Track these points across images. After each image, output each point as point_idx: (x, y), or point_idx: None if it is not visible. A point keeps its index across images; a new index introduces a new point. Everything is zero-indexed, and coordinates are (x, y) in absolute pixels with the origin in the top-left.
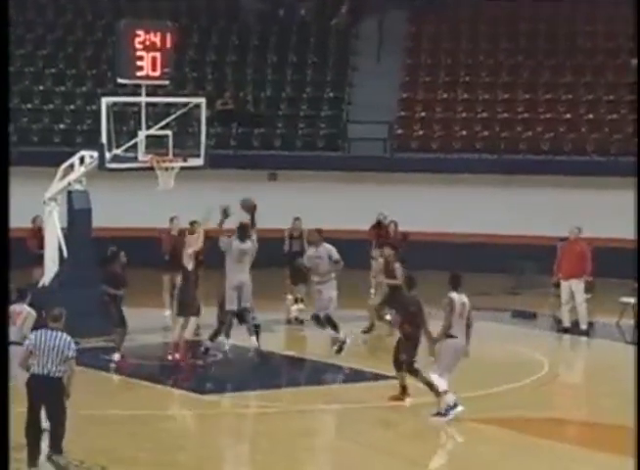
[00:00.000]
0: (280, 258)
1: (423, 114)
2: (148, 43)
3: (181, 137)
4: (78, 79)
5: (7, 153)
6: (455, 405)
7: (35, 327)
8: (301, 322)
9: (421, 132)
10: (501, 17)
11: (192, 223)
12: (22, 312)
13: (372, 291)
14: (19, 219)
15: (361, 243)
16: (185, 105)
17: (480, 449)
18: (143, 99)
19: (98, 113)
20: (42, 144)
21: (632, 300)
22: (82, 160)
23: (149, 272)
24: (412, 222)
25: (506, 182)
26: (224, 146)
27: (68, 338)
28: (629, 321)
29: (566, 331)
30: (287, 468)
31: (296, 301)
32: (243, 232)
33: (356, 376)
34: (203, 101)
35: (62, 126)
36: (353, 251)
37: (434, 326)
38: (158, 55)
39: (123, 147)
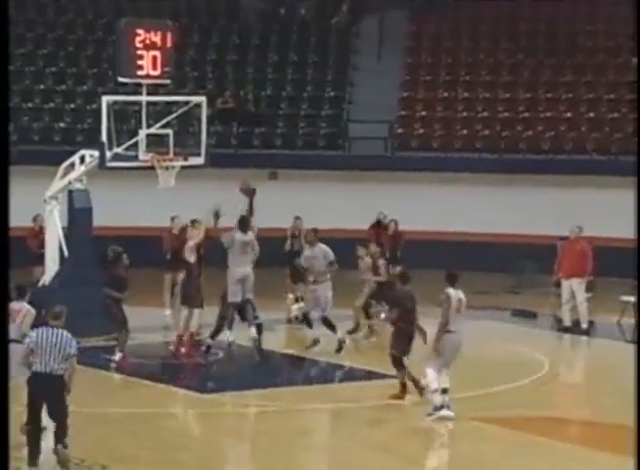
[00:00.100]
0: (280, 258)
1: (423, 113)
2: (148, 42)
3: (182, 136)
4: (79, 78)
5: (7, 152)
6: (441, 407)
7: (35, 325)
8: (302, 321)
9: (421, 131)
10: (501, 16)
11: (192, 222)
12: (21, 310)
13: (366, 290)
14: (19, 218)
15: (361, 242)
16: (186, 104)
17: (481, 449)
18: (143, 98)
19: (98, 111)
20: (43, 143)
21: (633, 299)
22: (83, 158)
23: (149, 271)
24: (412, 221)
25: (506, 181)
26: (225, 145)
27: (70, 335)
28: (630, 320)
29: (566, 330)
30: (286, 467)
31: (296, 300)
32: (244, 224)
33: (356, 375)
34: (203, 100)
35: (62, 125)
36: (354, 250)
37: (430, 324)
38: (158, 54)
39: (124, 146)
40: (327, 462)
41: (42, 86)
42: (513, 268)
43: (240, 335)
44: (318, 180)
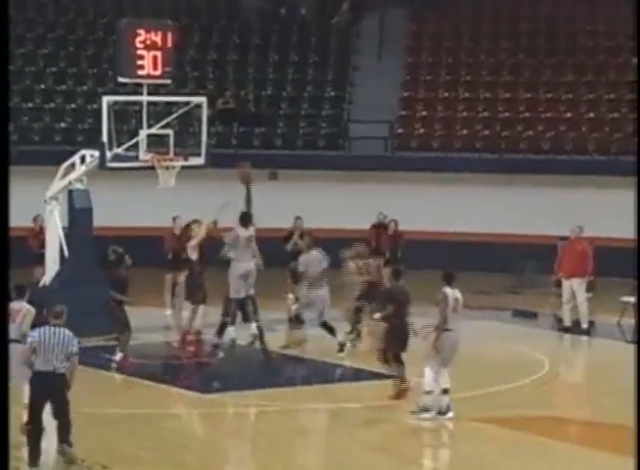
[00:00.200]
0: (282, 258)
1: (424, 113)
2: (149, 42)
3: (182, 136)
4: (79, 78)
5: (7, 152)
6: (428, 410)
7: (35, 325)
8: (302, 321)
9: (422, 131)
10: (502, 15)
11: (189, 224)
12: (21, 310)
13: (355, 293)
14: (19, 218)
15: (362, 242)
16: (186, 104)
17: (480, 449)
18: (144, 98)
19: (99, 112)
20: (43, 143)
21: (633, 299)
22: (83, 159)
23: (149, 271)
24: (413, 221)
25: (507, 181)
26: (225, 145)
27: (71, 334)
28: (630, 321)
29: (566, 330)
30: (286, 467)
31: (296, 300)
32: (245, 219)
33: (356, 375)
34: (204, 100)
35: (63, 125)
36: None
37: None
38: (158, 54)
39: (124, 146)
40: (327, 462)
41: (42, 86)
42: (513, 268)
43: (240, 335)
44: (318, 180)
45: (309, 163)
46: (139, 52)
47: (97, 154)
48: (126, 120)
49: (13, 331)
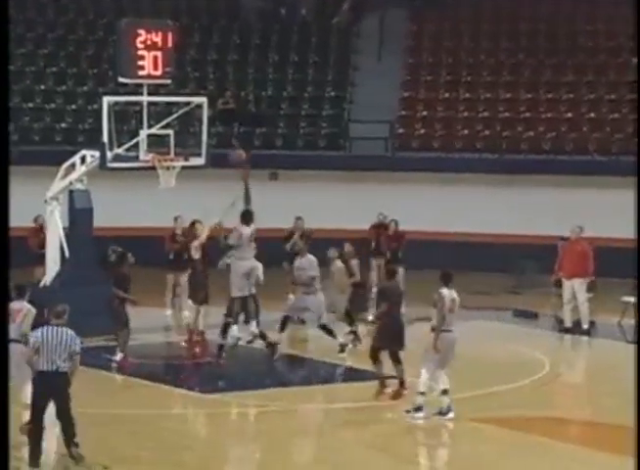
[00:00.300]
0: (282, 258)
1: (424, 113)
2: (149, 42)
3: (182, 136)
4: (80, 78)
5: (7, 152)
6: (420, 409)
7: (35, 325)
8: (303, 322)
9: (422, 131)
10: (502, 16)
11: (194, 222)
12: (21, 310)
13: (344, 295)
14: (20, 219)
15: (363, 242)
16: (186, 104)
17: (481, 449)
18: (144, 98)
19: (99, 112)
20: (43, 143)
21: (633, 299)
22: (84, 159)
23: (150, 271)
24: (413, 221)
25: (507, 182)
26: (225, 145)
27: (73, 333)
28: (631, 321)
29: (567, 331)
30: (286, 467)
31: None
32: (246, 217)
33: (356, 375)
34: (204, 100)
35: (63, 125)
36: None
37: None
38: (159, 54)
39: (125, 146)
40: (327, 462)
41: (43, 86)
42: (513, 269)
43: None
44: (319, 180)
45: (310, 163)
46: (139, 52)
47: (97, 154)
48: (127, 121)
49: (13, 331)
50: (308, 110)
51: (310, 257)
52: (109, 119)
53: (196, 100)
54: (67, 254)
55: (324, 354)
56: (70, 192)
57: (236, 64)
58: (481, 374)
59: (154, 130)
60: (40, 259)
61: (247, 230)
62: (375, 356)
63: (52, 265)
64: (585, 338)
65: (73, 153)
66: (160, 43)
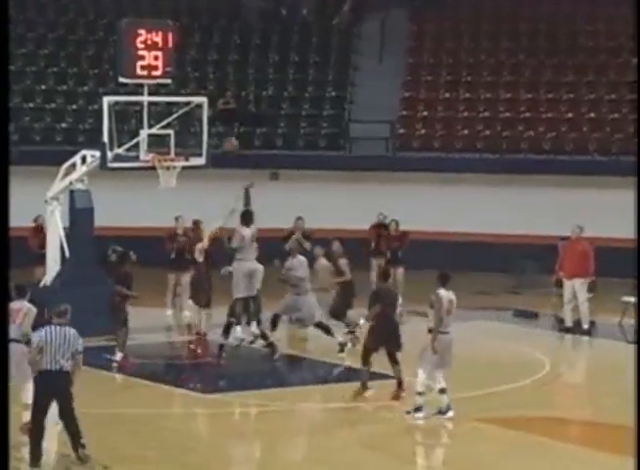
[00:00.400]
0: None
1: (425, 113)
2: (149, 42)
3: (183, 136)
4: (80, 78)
5: (7, 152)
6: (420, 409)
7: (36, 325)
8: (300, 322)
9: (423, 131)
10: (502, 16)
11: (194, 222)
12: (21, 309)
13: (331, 295)
14: (20, 219)
15: (363, 242)
16: (187, 104)
17: (481, 449)
18: (145, 98)
19: (100, 112)
20: (44, 143)
21: (633, 299)
22: (84, 159)
23: (150, 271)
24: (413, 221)
25: (507, 182)
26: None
27: (76, 332)
28: (631, 321)
29: (567, 330)
30: (286, 466)
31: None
32: (246, 218)
33: (356, 375)
34: (204, 100)
35: (64, 125)
36: (355, 250)
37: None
38: (159, 54)
39: (125, 146)
40: (327, 462)
41: (43, 86)
42: (514, 269)
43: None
44: (319, 181)
45: (310, 163)
46: (140, 52)
47: (98, 154)
48: (127, 121)
49: (13, 331)
50: (309, 110)
51: (301, 257)
52: (109, 119)
53: (196, 100)
54: (67, 254)
55: (324, 354)
56: (71, 192)
57: (236, 64)
58: (482, 374)
59: (154, 130)
60: (40, 259)
61: (247, 231)
62: (366, 358)
63: (52, 265)
64: (586, 338)
65: (74, 153)
66: (160, 43)
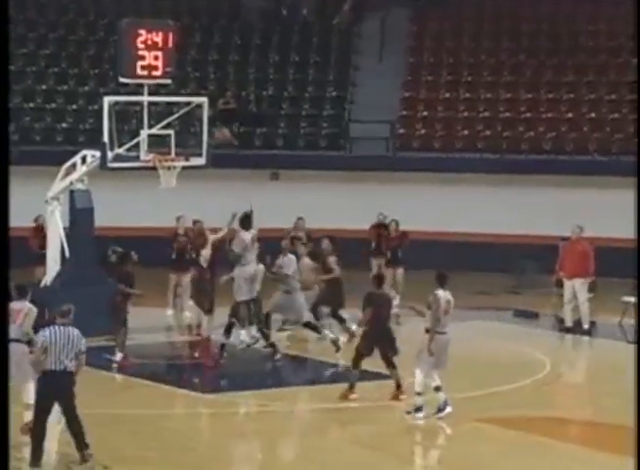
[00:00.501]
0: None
1: (425, 113)
2: (150, 42)
3: (183, 136)
4: (81, 79)
5: (7, 152)
6: (420, 409)
7: (36, 325)
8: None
9: (423, 131)
10: (503, 16)
11: (194, 222)
12: (22, 309)
13: (315, 293)
14: (21, 219)
15: (363, 242)
16: (187, 104)
17: (481, 449)
18: (145, 98)
19: (100, 112)
20: (44, 143)
21: (633, 299)
22: (84, 159)
23: (151, 271)
24: (414, 221)
25: (508, 182)
26: (226, 145)
27: (79, 332)
28: (631, 321)
29: (568, 330)
30: (286, 466)
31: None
32: (245, 222)
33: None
34: (205, 100)
35: (64, 125)
36: (356, 250)
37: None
38: (160, 54)
39: (125, 146)
40: (326, 462)
41: (44, 86)
42: (514, 269)
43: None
44: (319, 181)
45: (310, 163)
46: (140, 52)
47: (98, 154)
48: (127, 121)
49: (13, 331)
50: (309, 110)
51: (291, 256)
52: (109, 119)
53: (196, 100)
54: (67, 254)
55: (323, 354)
56: (71, 192)
57: (237, 64)
58: (482, 374)
59: (154, 130)
60: (41, 259)
61: (248, 236)
62: (357, 362)
63: (52, 265)
64: (586, 338)
65: (74, 153)
66: (160, 43)
